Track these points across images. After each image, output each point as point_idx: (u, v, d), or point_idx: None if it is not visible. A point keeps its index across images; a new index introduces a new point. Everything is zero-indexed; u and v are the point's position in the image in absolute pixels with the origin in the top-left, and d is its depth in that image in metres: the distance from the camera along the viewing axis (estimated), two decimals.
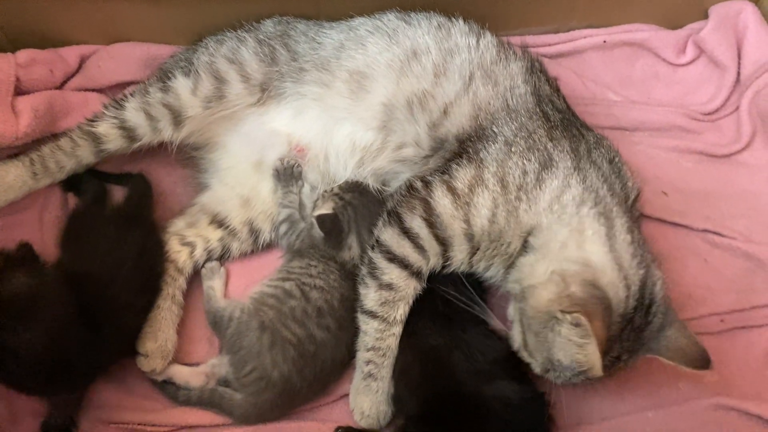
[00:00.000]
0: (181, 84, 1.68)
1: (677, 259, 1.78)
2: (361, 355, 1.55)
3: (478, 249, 1.50)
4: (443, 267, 1.54)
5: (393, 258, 1.51)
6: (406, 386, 1.54)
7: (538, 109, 1.59)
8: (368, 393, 1.54)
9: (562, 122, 1.58)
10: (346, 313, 1.59)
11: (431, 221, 1.48)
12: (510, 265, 1.50)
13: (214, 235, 1.77)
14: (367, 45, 1.68)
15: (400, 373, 1.55)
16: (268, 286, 1.65)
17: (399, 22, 1.71)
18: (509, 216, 1.45)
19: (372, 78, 1.65)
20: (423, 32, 1.66)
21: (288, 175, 1.76)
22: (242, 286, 1.75)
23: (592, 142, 1.57)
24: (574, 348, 1.31)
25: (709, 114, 1.96)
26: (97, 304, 1.45)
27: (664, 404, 1.62)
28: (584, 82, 2.01)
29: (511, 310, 1.52)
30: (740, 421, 1.57)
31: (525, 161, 1.47)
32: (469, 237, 1.48)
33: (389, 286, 1.51)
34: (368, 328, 1.53)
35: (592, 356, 1.28)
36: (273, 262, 1.78)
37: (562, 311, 1.30)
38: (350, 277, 1.64)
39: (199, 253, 1.75)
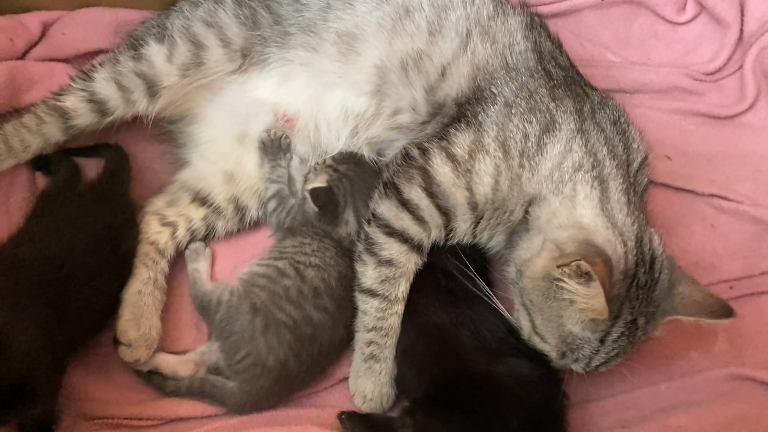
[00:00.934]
0: (154, 51, 1.56)
1: (684, 225, 1.72)
2: (362, 336, 1.46)
3: (481, 218, 1.43)
4: (445, 239, 1.46)
5: (392, 232, 1.42)
6: (411, 367, 1.46)
7: (539, 67, 1.51)
8: (370, 375, 1.45)
9: (565, 80, 1.51)
10: (345, 293, 1.50)
11: (431, 191, 1.40)
12: (512, 233, 1.44)
13: (197, 213, 1.66)
14: (355, 4, 1.57)
15: (403, 353, 1.47)
16: (259, 265, 1.54)
17: None
18: (512, 184, 1.39)
19: (362, 39, 1.55)
20: None
21: (275, 147, 1.65)
22: (230, 267, 1.65)
23: (596, 102, 1.50)
24: (581, 301, 1.25)
25: (711, 74, 1.89)
26: (50, 286, 1.36)
27: (676, 376, 1.57)
28: (582, 42, 1.93)
29: (514, 298, 1.44)
30: (755, 391, 1.51)
31: (526, 124, 1.40)
32: (473, 206, 1.41)
33: (389, 262, 1.42)
34: (368, 307, 1.44)
35: (598, 300, 1.22)
36: (262, 241, 1.68)
37: (560, 266, 1.24)
38: (347, 255, 1.54)
39: (182, 234, 1.63)
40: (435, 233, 1.43)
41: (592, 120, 1.44)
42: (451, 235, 1.45)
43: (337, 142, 1.62)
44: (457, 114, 1.47)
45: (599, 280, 1.19)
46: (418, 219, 1.41)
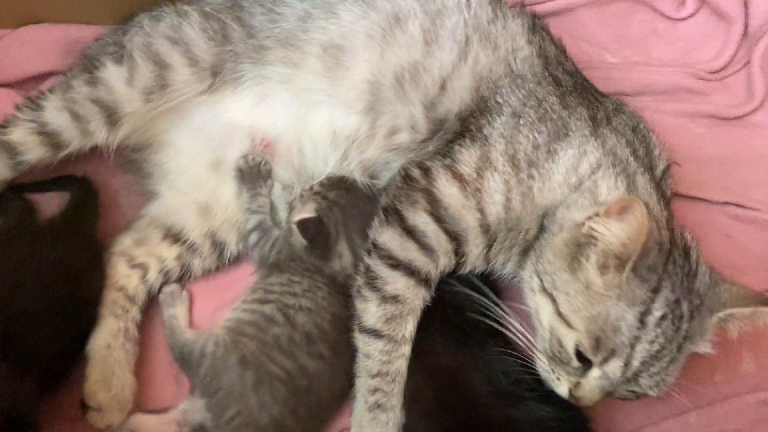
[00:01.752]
0: (112, 73, 1.38)
1: (699, 237, 1.58)
2: (365, 383, 1.30)
3: (494, 241, 1.30)
4: (454, 268, 1.33)
5: (397, 264, 1.28)
6: (420, 416, 1.31)
7: (546, 73, 1.39)
8: (375, 426, 1.29)
9: (575, 87, 1.39)
10: (340, 336, 1.35)
11: (438, 215, 1.27)
12: (526, 252, 1.31)
13: (170, 252, 1.49)
14: (339, 13, 1.41)
15: (411, 400, 1.32)
16: (244, 311, 1.38)
17: None
18: (524, 198, 1.27)
19: (351, 51, 1.39)
20: None
21: (254, 174, 1.48)
22: (210, 310, 1.48)
23: (611, 109, 1.39)
24: (615, 244, 1.12)
25: (715, 72, 1.78)
26: None
27: (703, 404, 1.45)
28: (578, 43, 1.80)
29: (531, 302, 1.28)
30: None
31: (536, 134, 1.30)
32: (485, 228, 1.28)
33: (394, 299, 1.27)
34: (371, 349, 1.29)
35: (639, 232, 1.08)
36: (243, 279, 1.50)
37: (592, 217, 1.16)
38: (341, 292, 1.39)
39: (154, 276, 1.47)
40: (444, 262, 1.29)
41: (608, 126, 1.33)
42: (462, 261, 1.31)
43: (324, 166, 1.46)
44: (460, 129, 1.34)
45: (642, 209, 1.07)
46: (425, 248, 1.28)
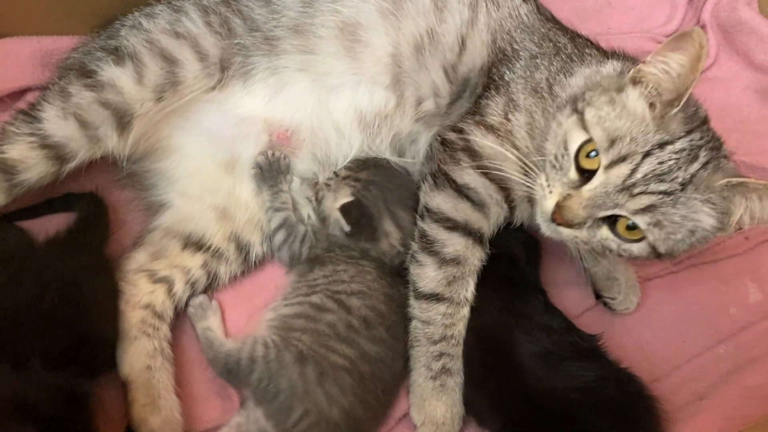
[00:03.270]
0: (117, 74, 1.28)
1: None
2: (427, 350, 1.29)
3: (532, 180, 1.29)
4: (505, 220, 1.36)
5: (454, 226, 1.29)
6: (470, 381, 1.30)
7: (551, 24, 1.46)
8: (442, 394, 1.27)
9: (577, 34, 1.46)
10: (397, 317, 1.31)
11: (484, 166, 1.29)
12: None
13: (194, 261, 1.40)
14: None
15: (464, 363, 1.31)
16: (288, 305, 1.31)
17: None
18: (545, 114, 1.28)
19: (368, 27, 1.38)
20: None
21: (275, 170, 1.43)
22: (243, 318, 1.41)
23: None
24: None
25: (670, 35, 1.89)
26: None
27: (726, 336, 1.53)
28: None
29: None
30: None
31: (554, 64, 1.34)
32: (522, 163, 1.28)
33: (455, 261, 1.28)
34: (433, 314, 1.28)
35: (698, 55, 1.07)
36: (273, 280, 1.45)
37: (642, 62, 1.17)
38: (389, 273, 1.35)
39: (181, 289, 1.37)
40: (495, 214, 1.32)
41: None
42: (512, 207, 1.34)
43: (349, 150, 1.43)
44: (485, 82, 1.38)
45: (701, 33, 1.06)
46: (478, 204, 1.30)
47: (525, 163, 1.25)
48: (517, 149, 1.28)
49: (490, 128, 1.31)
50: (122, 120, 1.28)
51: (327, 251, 1.38)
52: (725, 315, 1.57)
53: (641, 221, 1.11)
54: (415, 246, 1.32)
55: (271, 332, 1.27)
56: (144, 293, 1.33)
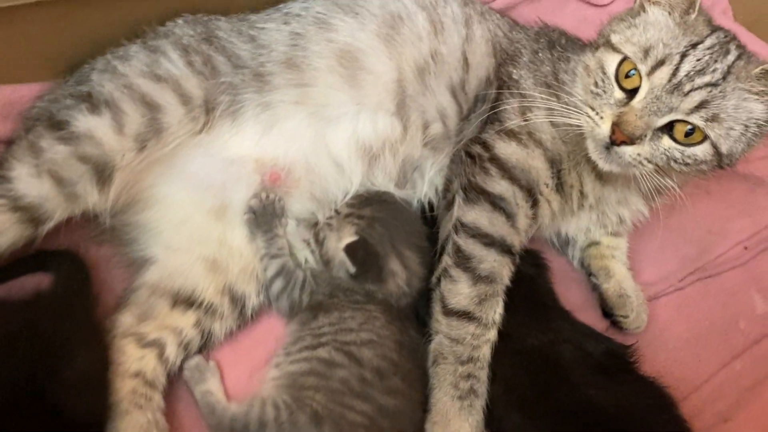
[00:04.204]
0: (93, 124, 1.18)
1: (683, 198, 1.67)
2: (455, 369, 1.22)
3: (561, 170, 1.34)
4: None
5: (491, 242, 1.26)
6: (520, 407, 1.23)
7: (534, 27, 1.55)
8: (470, 415, 1.21)
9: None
10: (410, 364, 1.23)
11: (512, 176, 1.30)
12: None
13: (186, 320, 1.29)
14: (336, 24, 1.34)
15: (505, 392, 1.24)
16: (294, 362, 1.21)
17: None
18: (561, 102, 1.30)
19: (370, 53, 1.33)
20: None
21: (269, 214, 1.33)
22: (244, 376, 1.30)
23: None
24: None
25: None
26: None
27: (741, 351, 1.52)
28: None
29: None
30: None
31: (554, 54, 1.41)
32: (550, 159, 1.32)
33: (488, 278, 1.24)
34: (462, 333, 1.23)
35: None
36: (272, 332, 1.35)
37: None
38: (398, 317, 1.27)
39: (173, 352, 1.26)
40: (523, 228, 1.30)
41: None
42: (535, 215, 1.33)
43: (350, 185, 1.36)
44: (497, 86, 1.39)
45: None
46: (511, 217, 1.28)
47: (552, 161, 1.31)
48: (543, 145, 1.31)
49: (511, 134, 1.31)
50: (102, 174, 1.17)
51: (330, 297, 1.29)
52: (736, 329, 1.55)
53: (698, 120, 1.16)
54: (448, 260, 1.27)
55: (281, 392, 1.17)
56: (133, 360, 1.22)
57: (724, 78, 1.16)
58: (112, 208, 1.27)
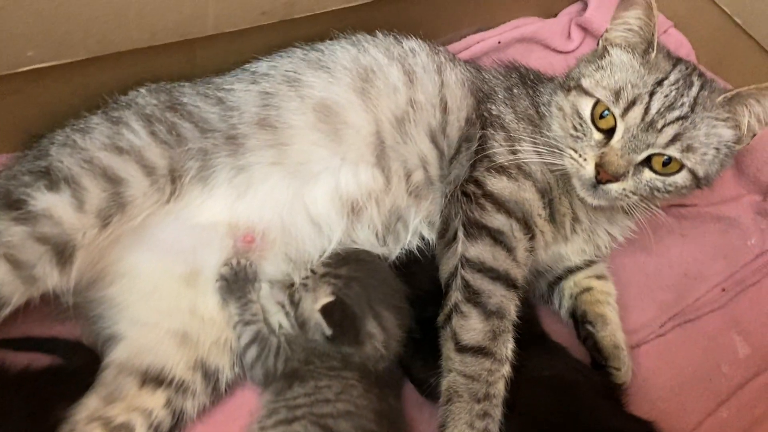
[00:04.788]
0: (52, 202, 1.13)
1: (657, 241, 1.66)
2: (471, 407, 1.18)
3: (551, 200, 1.37)
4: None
5: (497, 276, 1.26)
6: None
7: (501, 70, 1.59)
8: None
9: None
10: None
11: (507, 209, 1.32)
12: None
13: (155, 400, 1.23)
14: (308, 80, 1.34)
15: (533, 425, 1.22)
16: None
17: (315, 53, 1.41)
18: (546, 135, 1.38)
19: (347, 107, 1.32)
20: (361, 50, 1.42)
21: (242, 280, 1.29)
22: None
23: None
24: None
25: None
26: None
27: (726, 396, 1.49)
28: None
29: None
30: None
31: (527, 89, 1.47)
32: (541, 191, 1.36)
33: (498, 313, 1.24)
34: (477, 369, 1.20)
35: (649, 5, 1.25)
36: (246, 405, 1.29)
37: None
38: (376, 383, 1.23)
39: None
40: (522, 261, 1.30)
41: None
42: (532, 248, 1.34)
43: (328, 243, 1.33)
44: (480, 124, 1.41)
45: None
46: (510, 250, 1.29)
47: (543, 192, 1.35)
48: (532, 176, 1.35)
49: (500, 169, 1.34)
50: (63, 254, 1.12)
51: (305, 363, 1.24)
52: (719, 374, 1.53)
53: (675, 152, 1.24)
54: (458, 296, 1.26)
55: None
56: None
57: (692, 110, 1.25)
58: (75, 287, 1.20)
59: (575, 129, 1.30)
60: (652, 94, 1.24)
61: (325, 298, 1.24)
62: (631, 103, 1.24)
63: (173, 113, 1.28)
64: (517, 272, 1.28)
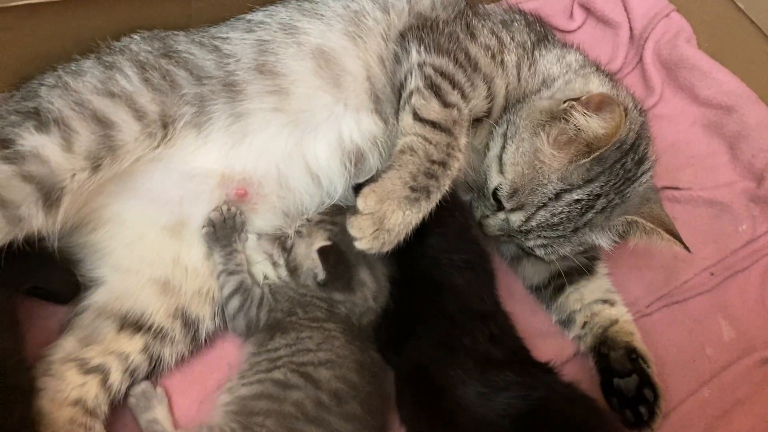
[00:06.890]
0: (41, 143, 1.11)
1: None
2: (421, 162, 1.16)
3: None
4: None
5: (455, 84, 1.25)
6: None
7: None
8: (410, 208, 1.15)
9: None
10: (371, 387, 1.17)
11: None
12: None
13: (133, 345, 1.22)
14: (302, 27, 1.32)
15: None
16: (246, 385, 1.16)
17: (309, 3, 1.40)
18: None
19: (342, 54, 1.31)
20: None
21: (229, 228, 1.28)
22: (193, 404, 1.25)
23: None
24: (584, 133, 1.21)
25: (615, 73, 1.88)
26: None
27: (709, 377, 1.49)
28: None
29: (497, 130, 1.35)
30: None
31: (527, 35, 1.44)
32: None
33: (456, 106, 1.23)
34: (437, 138, 1.18)
35: (606, 129, 1.19)
36: (226, 358, 1.29)
37: (572, 100, 1.24)
38: (360, 336, 1.22)
39: (117, 379, 1.20)
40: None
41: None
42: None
43: (328, 197, 1.31)
44: None
45: (621, 111, 1.16)
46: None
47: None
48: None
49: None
50: (49, 195, 1.10)
51: (288, 315, 1.24)
52: (703, 356, 1.53)
53: (537, 251, 1.34)
54: (419, 83, 1.23)
55: (228, 419, 1.11)
56: (72, 387, 1.15)
57: (574, 232, 1.30)
58: (60, 230, 1.19)
59: (478, 186, 1.36)
60: (540, 207, 1.26)
61: (321, 242, 1.23)
62: (519, 207, 1.27)
63: (167, 60, 1.27)
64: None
